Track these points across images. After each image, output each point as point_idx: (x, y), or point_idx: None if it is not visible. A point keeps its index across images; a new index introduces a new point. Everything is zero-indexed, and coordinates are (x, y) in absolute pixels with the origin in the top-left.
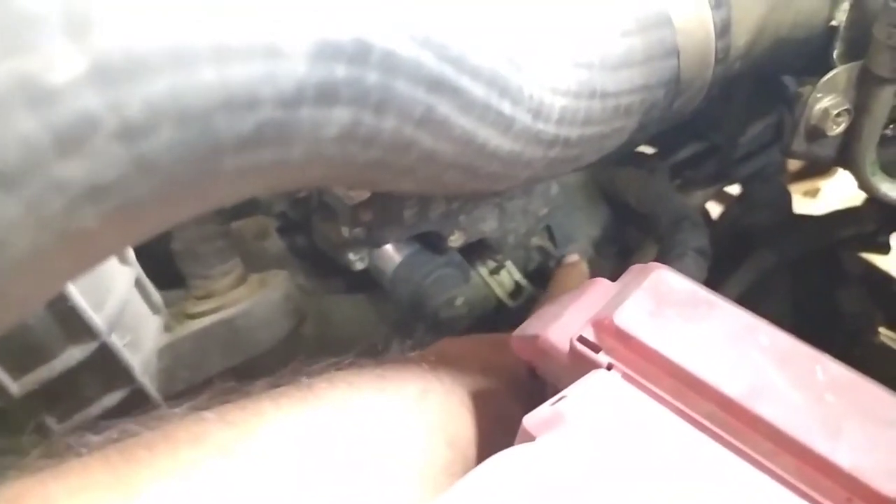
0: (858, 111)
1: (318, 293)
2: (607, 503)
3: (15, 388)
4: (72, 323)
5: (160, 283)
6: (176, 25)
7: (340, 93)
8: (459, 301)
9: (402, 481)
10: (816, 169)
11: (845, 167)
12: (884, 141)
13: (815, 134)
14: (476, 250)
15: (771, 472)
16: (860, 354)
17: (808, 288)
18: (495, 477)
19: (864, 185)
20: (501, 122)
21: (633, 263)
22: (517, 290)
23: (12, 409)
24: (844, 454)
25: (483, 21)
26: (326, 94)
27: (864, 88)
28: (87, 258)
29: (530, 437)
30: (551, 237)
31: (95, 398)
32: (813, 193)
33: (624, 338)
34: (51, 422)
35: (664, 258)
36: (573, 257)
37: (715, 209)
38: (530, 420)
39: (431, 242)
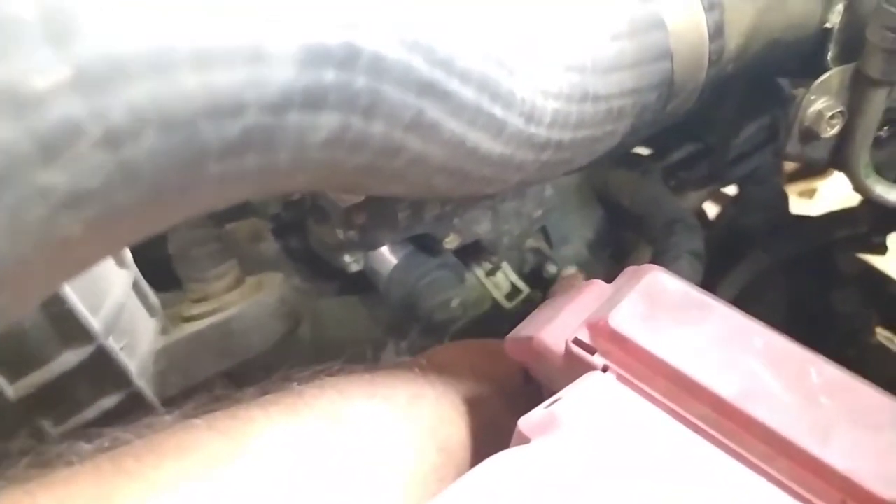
0: (852, 113)
1: (313, 295)
2: None
3: (10, 391)
4: (68, 326)
5: (158, 286)
6: (159, 31)
7: (328, 98)
8: (455, 303)
9: (393, 487)
10: (813, 170)
11: (839, 169)
12: (877, 143)
13: (809, 136)
14: (472, 252)
15: (765, 474)
16: (855, 355)
17: (803, 288)
18: (490, 479)
19: (858, 186)
20: (493, 125)
21: (629, 265)
22: (513, 291)
23: (8, 413)
24: (838, 456)
25: (473, 24)
26: (314, 100)
27: (857, 91)
28: (70, 265)
29: (525, 440)
30: (546, 239)
31: (91, 402)
32: (809, 194)
33: (619, 340)
34: (46, 425)
35: (659, 260)
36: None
37: (712, 210)
38: (525, 422)
39: (427, 244)
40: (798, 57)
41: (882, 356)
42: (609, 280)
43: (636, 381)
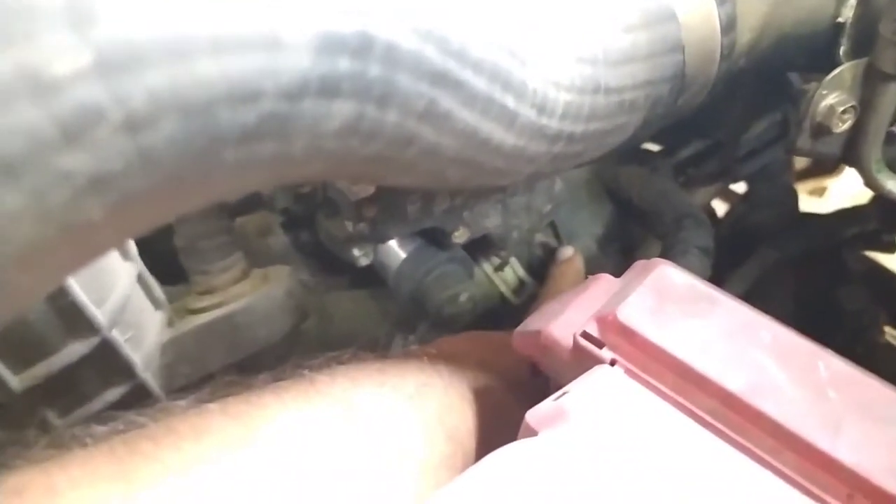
0: (864, 108)
1: (321, 289)
2: (609, 498)
3: (16, 382)
4: (73, 318)
5: (164, 279)
6: (178, 17)
7: (343, 86)
8: (463, 297)
9: (402, 474)
10: (823, 167)
11: (851, 164)
12: (889, 138)
13: (821, 131)
14: (480, 247)
15: (773, 468)
16: (863, 353)
17: (811, 286)
18: (498, 471)
19: (869, 182)
20: (505, 116)
21: (637, 260)
22: (521, 286)
23: (13, 405)
24: (846, 450)
25: (486, 15)
26: (329, 87)
27: (869, 85)
28: (89, 250)
29: (533, 432)
30: (555, 234)
31: (96, 394)
32: (819, 192)
33: (627, 333)
34: (52, 417)
35: (667, 256)
36: (568, 252)
37: (721, 207)
38: (533, 415)
39: (435, 238)
40: (809, 51)
41: (890, 354)
42: (617, 275)
43: (644, 375)
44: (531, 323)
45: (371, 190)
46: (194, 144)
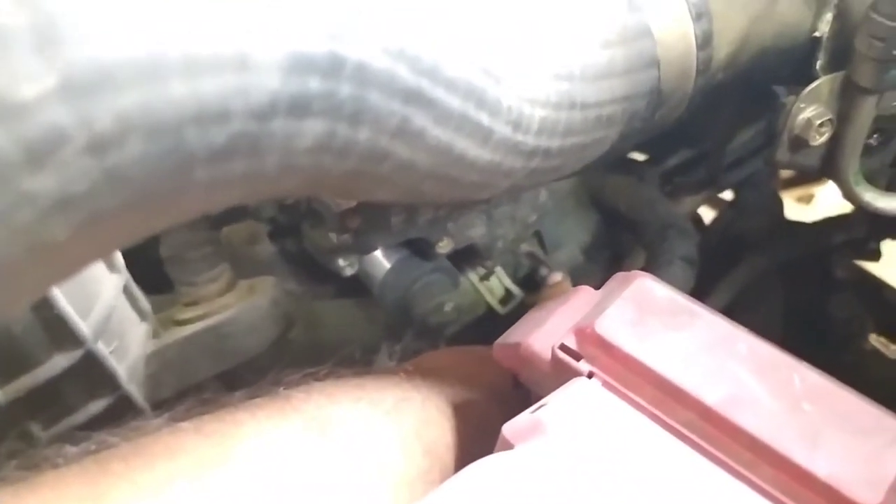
0: (841, 121)
1: (307, 298)
2: None
3: (0, 395)
4: (57, 330)
5: (150, 287)
6: (146, 40)
7: (314, 105)
8: (448, 307)
9: (379, 489)
10: (810, 176)
11: (829, 177)
12: (867, 150)
13: (799, 144)
14: (466, 257)
15: (749, 481)
16: (851, 360)
17: (799, 294)
18: (473, 484)
19: (847, 194)
20: (479, 133)
21: (624, 270)
22: (507, 296)
23: None
24: (821, 463)
25: (459, 33)
26: (300, 107)
27: (846, 99)
28: (59, 269)
29: (510, 446)
30: (541, 243)
31: (81, 405)
32: (807, 199)
33: (605, 346)
34: (36, 429)
35: (652, 265)
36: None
37: (708, 215)
38: (509, 428)
39: (420, 248)
40: (789, 65)
41: (877, 361)
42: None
43: (621, 388)
44: (512, 335)
45: (354, 201)
46: (163, 164)
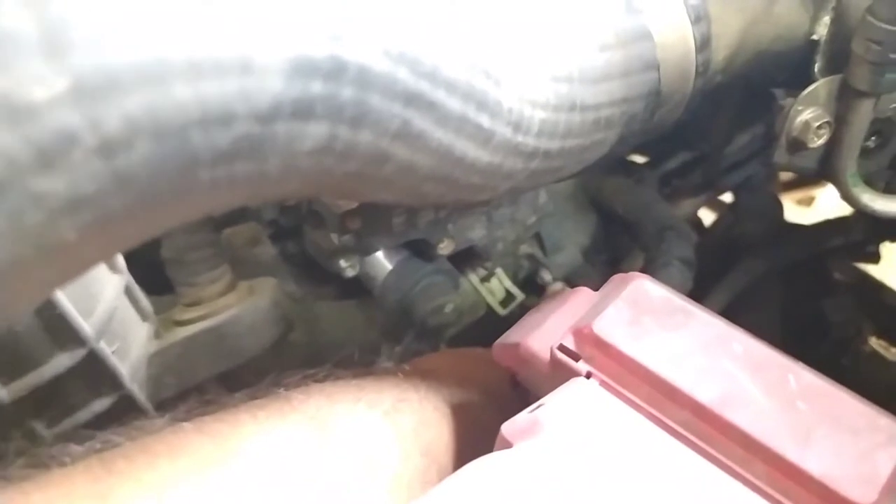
0: (839, 124)
1: (308, 300)
2: None
3: (3, 394)
4: (60, 330)
5: (152, 289)
6: (153, 44)
7: (316, 108)
8: (449, 308)
9: (376, 489)
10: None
11: (827, 179)
12: (866, 153)
13: (797, 146)
14: (466, 258)
15: (743, 479)
16: (849, 363)
17: (797, 296)
18: (472, 482)
19: (845, 196)
20: (480, 135)
21: (622, 271)
22: (508, 297)
23: (1, 415)
24: (815, 461)
25: (460, 36)
26: (302, 110)
27: (844, 101)
28: (66, 269)
29: (508, 445)
30: (541, 245)
31: (84, 404)
32: (807, 202)
33: (602, 346)
34: (39, 428)
35: (650, 267)
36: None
37: (708, 217)
38: (508, 427)
39: (421, 250)
40: (787, 67)
41: (876, 364)
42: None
43: (619, 387)
44: (511, 335)
45: (356, 203)
46: (169, 166)
